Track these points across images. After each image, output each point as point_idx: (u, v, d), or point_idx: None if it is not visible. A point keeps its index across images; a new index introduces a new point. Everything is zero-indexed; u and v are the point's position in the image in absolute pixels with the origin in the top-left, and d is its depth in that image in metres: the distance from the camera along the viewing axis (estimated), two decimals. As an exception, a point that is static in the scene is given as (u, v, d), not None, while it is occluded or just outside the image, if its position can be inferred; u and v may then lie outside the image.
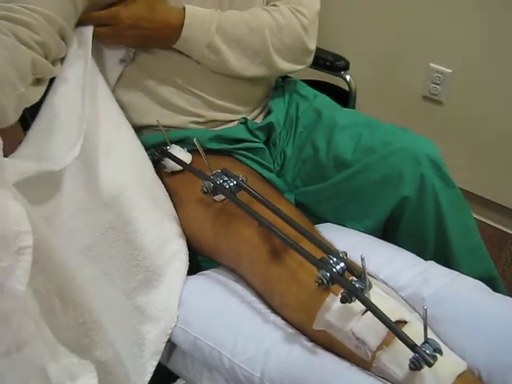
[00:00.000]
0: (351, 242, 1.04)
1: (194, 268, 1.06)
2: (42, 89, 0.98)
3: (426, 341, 0.75)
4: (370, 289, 0.81)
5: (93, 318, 0.85)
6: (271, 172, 1.24)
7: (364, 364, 0.82)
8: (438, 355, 0.75)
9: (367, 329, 0.81)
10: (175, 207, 1.12)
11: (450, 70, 1.90)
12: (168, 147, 1.15)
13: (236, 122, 1.25)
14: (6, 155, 0.80)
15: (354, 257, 0.88)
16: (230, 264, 1.04)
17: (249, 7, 1.18)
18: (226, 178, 1.01)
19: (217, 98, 1.21)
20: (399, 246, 1.08)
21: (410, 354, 0.74)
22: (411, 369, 0.74)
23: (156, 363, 0.96)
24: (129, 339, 0.94)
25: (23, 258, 0.64)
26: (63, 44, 1.01)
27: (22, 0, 0.93)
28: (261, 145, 1.24)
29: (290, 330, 0.90)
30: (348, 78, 1.53)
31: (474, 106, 1.90)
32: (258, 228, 0.97)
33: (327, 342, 0.86)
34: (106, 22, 1.09)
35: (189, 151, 1.16)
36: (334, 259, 0.85)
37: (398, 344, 0.77)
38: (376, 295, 0.84)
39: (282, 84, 1.39)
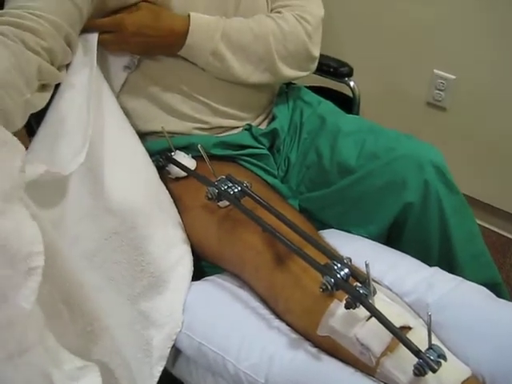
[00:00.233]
0: (355, 248, 1.04)
1: (198, 274, 1.06)
2: (48, 95, 0.98)
3: (431, 347, 0.75)
4: (374, 295, 0.81)
5: (101, 325, 0.85)
6: (275, 178, 1.24)
7: (368, 370, 0.82)
8: (442, 361, 0.75)
9: (371, 335, 0.81)
10: (179, 213, 1.12)
11: (453, 77, 1.90)
12: (172, 153, 1.15)
13: (240, 129, 1.25)
14: None
15: (359, 263, 0.88)
16: (234, 270, 1.04)
17: (253, 14, 1.18)
18: (230, 184, 1.01)
19: (221, 105, 1.21)
20: (403, 251, 1.08)
21: (415, 359, 0.74)
22: (415, 375, 0.74)
23: (161, 369, 0.96)
24: (134, 345, 0.94)
25: (33, 278, 0.64)
26: (69, 50, 1.01)
27: (28, 6, 0.93)
28: (265, 151, 1.25)
29: (294, 336, 0.90)
30: (352, 84, 1.54)
31: (477, 113, 1.90)
32: (262, 234, 0.97)
33: (331, 348, 0.86)
34: (111, 28, 1.09)
35: (193, 157, 1.16)
36: (339, 265, 0.85)
37: (403, 350, 0.77)
38: (380, 301, 0.83)
39: (286, 90, 1.39)
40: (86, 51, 1.07)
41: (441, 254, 1.13)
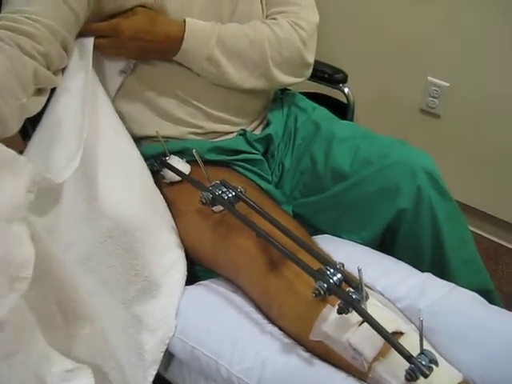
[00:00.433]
0: (348, 254, 1.04)
1: (191, 278, 1.06)
2: (44, 99, 0.98)
3: (422, 352, 0.75)
4: (366, 300, 0.81)
5: (95, 328, 0.85)
6: (269, 183, 1.25)
7: (360, 375, 0.83)
8: (433, 366, 0.75)
9: (364, 340, 0.81)
10: (173, 217, 1.12)
11: (447, 84, 1.91)
12: (167, 158, 1.15)
13: (235, 134, 1.26)
14: None
15: (351, 268, 0.88)
16: (228, 275, 1.04)
17: (249, 20, 1.19)
18: (224, 189, 1.01)
19: (216, 110, 1.22)
20: (396, 257, 1.08)
21: (406, 364, 0.74)
22: (407, 380, 0.75)
23: (155, 373, 0.96)
24: (128, 348, 0.94)
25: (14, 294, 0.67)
26: (65, 54, 1.01)
27: (25, 11, 0.93)
28: (259, 156, 1.25)
29: (287, 341, 0.91)
30: (346, 90, 1.54)
31: (471, 120, 1.91)
32: (256, 239, 0.97)
33: (324, 353, 0.87)
34: (107, 33, 1.09)
35: (188, 162, 1.16)
36: (331, 270, 0.85)
37: (394, 355, 0.77)
38: (373, 306, 0.84)
39: (281, 96, 1.40)
40: (82, 55, 1.07)
41: (433, 260, 1.14)
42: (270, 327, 0.94)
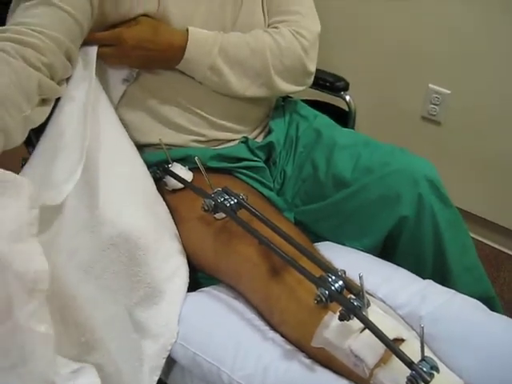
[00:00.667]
0: (350, 261, 1.04)
1: (194, 285, 1.06)
2: (48, 109, 0.99)
3: (423, 358, 0.75)
4: (368, 307, 0.82)
5: (94, 337, 0.86)
6: (271, 191, 1.25)
7: (362, 381, 0.83)
8: (434, 373, 0.75)
9: (365, 346, 0.81)
10: (176, 224, 1.12)
11: (448, 91, 1.92)
12: (169, 165, 1.16)
13: (237, 141, 1.27)
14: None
15: (353, 275, 0.88)
16: (230, 281, 1.04)
17: (250, 29, 1.19)
18: (226, 197, 1.02)
19: (218, 118, 1.22)
20: (397, 264, 1.08)
21: (408, 371, 0.74)
22: (408, 386, 0.75)
23: (157, 378, 0.96)
24: (130, 354, 0.94)
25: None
26: (69, 65, 1.02)
27: (29, 22, 0.94)
28: (261, 164, 1.26)
29: (289, 347, 0.91)
30: (348, 98, 1.55)
31: (472, 127, 1.92)
32: (257, 246, 0.98)
33: (325, 360, 0.87)
34: (111, 42, 1.10)
35: (190, 169, 1.17)
36: (333, 277, 0.85)
37: (396, 361, 0.77)
38: (374, 313, 0.84)
39: (283, 104, 1.40)
40: (86, 64, 1.08)
41: (434, 267, 1.14)
42: (271, 334, 0.94)
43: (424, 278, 1.03)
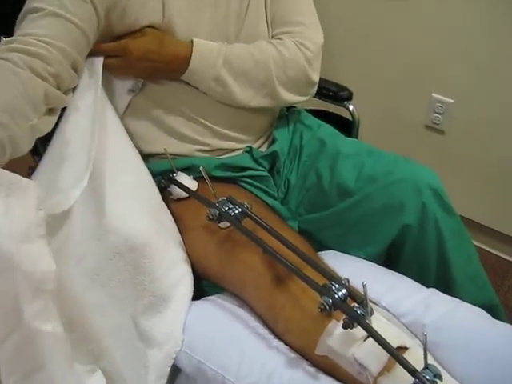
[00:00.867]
0: (354, 269, 1.05)
1: (198, 293, 1.07)
2: (54, 119, 1.00)
3: (427, 366, 0.76)
4: (371, 315, 0.82)
5: (100, 345, 0.87)
6: (275, 200, 1.25)
7: (365, 389, 0.83)
8: (438, 381, 0.75)
9: (369, 354, 0.81)
10: (180, 233, 1.13)
11: (451, 100, 1.92)
12: (174, 175, 1.17)
13: (241, 151, 1.27)
14: None
15: (357, 284, 0.89)
16: (235, 290, 1.05)
17: (254, 40, 1.20)
18: (231, 206, 1.02)
19: (223, 128, 1.23)
20: (401, 273, 1.08)
21: (411, 379, 0.74)
22: (412, 394, 0.75)
23: (161, 386, 0.97)
24: (136, 363, 0.95)
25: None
26: (75, 75, 1.03)
27: (36, 33, 0.95)
28: (265, 173, 1.26)
29: (293, 355, 0.91)
30: (351, 107, 1.55)
31: (475, 136, 1.92)
32: (262, 255, 0.98)
33: (329, 368, 0.87)
34: (116, 53, 1.11)
35: (195, 179, 1.17)
36: (337, 286, 0.86)
37: (399, 369, 0.77)
38: (377, 321, 0.84)
39: (287, 114, 1.41)
40: (92, 74, 1.09)
41: (438, 276, 1.14)
42: (275, 342, 0.94)
43: (428, 287, 1.03)
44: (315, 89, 1.29)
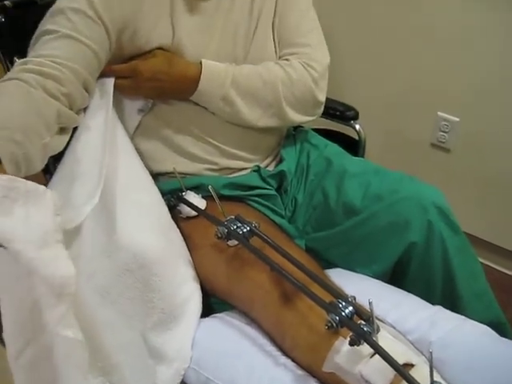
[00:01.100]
0: (360, 287, 1.05)
1: (207, 310, 1.07)
2: (66, 137, 1.02)
3: (432, 383, 0.76)
4: (377, 332, 0.83)
5: (111, 362, 0.88)
6: (283, 218, 1.26)
7: (372, 406, 0.83)
8: (443, 397, 0.76)
9: (375, 371, 0.82)
10: (189, 251, 1.14)
11: (457, 119, 1.93)
12: (183, 193, 1.18)
13: (249, 170, 1.29)
14: None
15: (363, 301, 0.89)
16: (243, 307, 1.05)
17: (262, 61, 1.22)
18: (239, 224, 1.03)
19: (231, 147, 1.25)
20: (407, 290, 1.09)
21: (417, 396, 0.75)
22: (418, 411, 0.75)
23: (170, 403, 0.97)
24: (145, 379, 0.95)
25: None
26: (87, 95, 1.06)
27: (49, 54, 0.98)
28: (273, 192, 1.27)
29: (300, 372, 0.92)
30: (357, 127, 1.57)
31: (481, 154, 1.93)
32: (269, 273, 0.99)
33: (336, 384, 0.87)
34: (127, 74, 1.14)
35: (203, 197, 1.18)
36: (343, 303, 0.86)
37: (406, 386, 0.78)
38: (384, 338, 0.85)
39: (294, 133, 1.43)
40: (103, 94, 1.11)
41: (444, 293, 1.14)
42: (283, 359, 0.95)
43: (434, 304, 1.04)
44: (322, 109, 1.30)
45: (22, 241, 0.70)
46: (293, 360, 0.95)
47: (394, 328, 0.98)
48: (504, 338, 0.98)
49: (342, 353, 0.85)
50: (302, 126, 1.46)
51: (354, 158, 1.36)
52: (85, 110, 1.09)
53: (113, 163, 1.05)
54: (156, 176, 1.23)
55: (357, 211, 1.18)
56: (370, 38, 2.05)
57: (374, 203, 1.17)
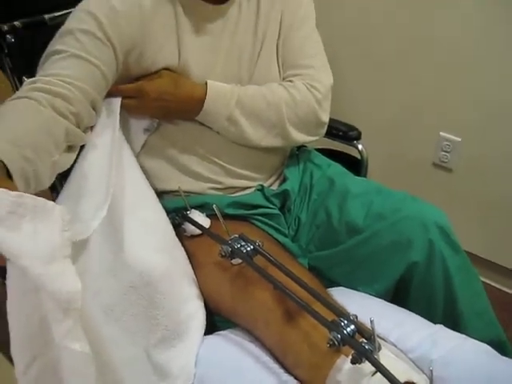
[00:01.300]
0: (362, 306, 1.06)
1: (210, 328, 1.08)
2: (73, 155, 1.03)
3: (433, 401, 0.77)
4: (379, 350, 0.83)
5: (115, 378, 0.88)
6: (286, 237, 1.27)
7: (374, 424, 0.83)
8: (444, 415, 0.77)
9: (377, 389, 0.82)
10: (193, 269, 1.14)
11: (459, 139, 1.95)
12: (188, 212, 1.19)
13: (253, 189, 1.30)
14: None
15: (365, 320, 0.89)
16: (247, 325, 1.05)
17: (266, 82, 1.24)
18: (243, 243, 1.04)
19: (235, 167, 1.26)
20: (409, 309, 1.09)
21: (418, 413, 0.76)
22: (419, 429, 0.76)
23: (174, 420, 0.97)
24: None
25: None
26: (94, 114, 1.07)
27: (59, 73, 1.00)
28: (276, 211, 1.28)
29: (303, 390, 0.92)
30: (360, 147, 1.58)
31: (483, 174, 1.94)
32: (273, 291, 0.99)
33: (339, 402, 0.88)
34: (134, 94, 1.16)
35: (208, 216, 1.19)
36: (345, 322, 0.87)
37: (407, 404, 0.79)
38: (385, 357, 0.85)
39: (297, 153, 1.44)
40: (110, 114, 1.13)
41: (445, 312, 1.15)
42: (286, 376, 0.95)
43: (435, 323, 1.04)
44: (325, 129, 1.32)
45: (30, 257, 0.71)
46: (295, 377, 0.95)
47: (396, 346, 0.98)
48: (504, 357, 0.98)
49: (344, 371, 0.86)
50: (305, 146, 1.47)
51: (356, 177, 1.37)
52: (92, 128, 1.11)
53: (119, 181, 1.06)
54: (160, 194, 1.24)
55: (359, 230, 1.19)
56: (372, 59, 2.07)
57: (377, 222, 1.18)
